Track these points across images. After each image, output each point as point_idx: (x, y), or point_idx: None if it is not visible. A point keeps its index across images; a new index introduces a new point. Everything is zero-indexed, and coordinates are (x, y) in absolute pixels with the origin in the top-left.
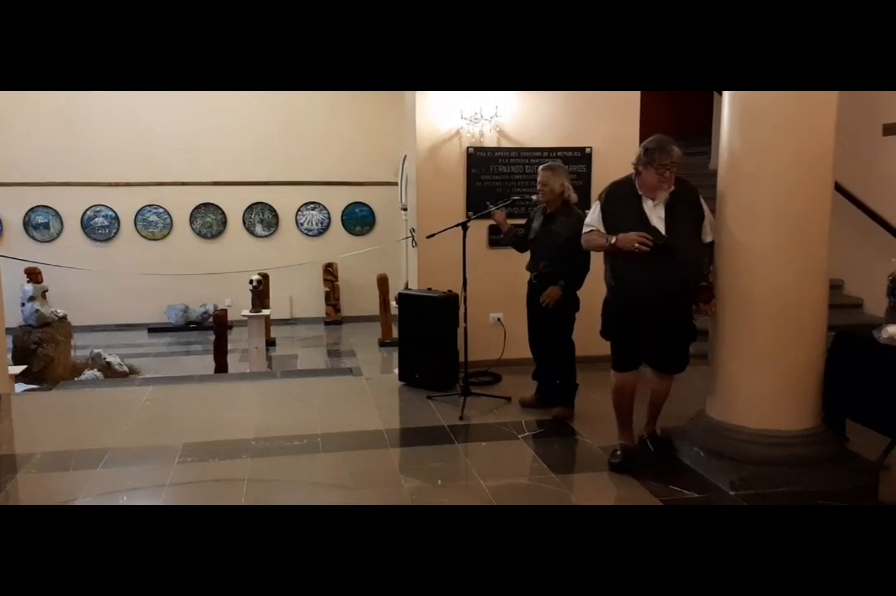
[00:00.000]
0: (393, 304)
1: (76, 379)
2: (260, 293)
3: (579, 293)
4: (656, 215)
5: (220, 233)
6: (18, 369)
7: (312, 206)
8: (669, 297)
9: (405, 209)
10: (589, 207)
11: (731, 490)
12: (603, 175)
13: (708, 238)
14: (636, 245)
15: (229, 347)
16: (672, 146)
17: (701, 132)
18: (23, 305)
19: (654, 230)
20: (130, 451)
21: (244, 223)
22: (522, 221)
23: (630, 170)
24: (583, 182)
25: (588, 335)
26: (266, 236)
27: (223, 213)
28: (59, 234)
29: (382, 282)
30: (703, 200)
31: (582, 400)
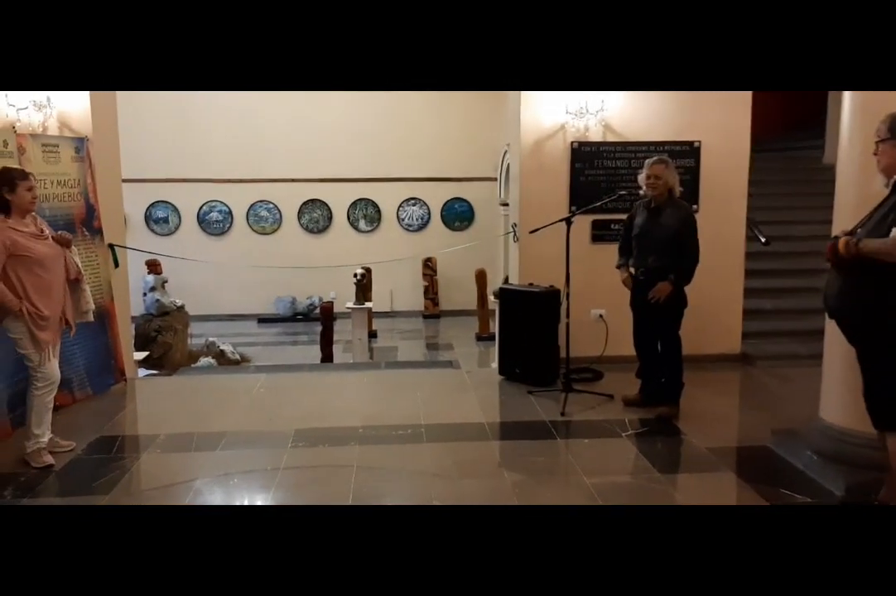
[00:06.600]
0: (491, 298)
1: (192, 366)
2: (363, 286)
3: (686, 289)
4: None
5: (325, 228)
6: (141, 356)
7: (413, 201)
8: (842, 312)
9: (505, 204)
10: (696, 202)
11: (847, 496)
12: (711, 169)
13: None
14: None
15: (334, 337)
16: None
17: (814, 124)
18: (144, 295)
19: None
20: (246, 434)
21: (348, 218)
22: (624, 217)
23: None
24: (690, 176)
25: (695, 333)
26: (369, 231)
27: (329, 208)
28: (177, 228)
29: (481, 276)
30: None
31: (687, 399)
